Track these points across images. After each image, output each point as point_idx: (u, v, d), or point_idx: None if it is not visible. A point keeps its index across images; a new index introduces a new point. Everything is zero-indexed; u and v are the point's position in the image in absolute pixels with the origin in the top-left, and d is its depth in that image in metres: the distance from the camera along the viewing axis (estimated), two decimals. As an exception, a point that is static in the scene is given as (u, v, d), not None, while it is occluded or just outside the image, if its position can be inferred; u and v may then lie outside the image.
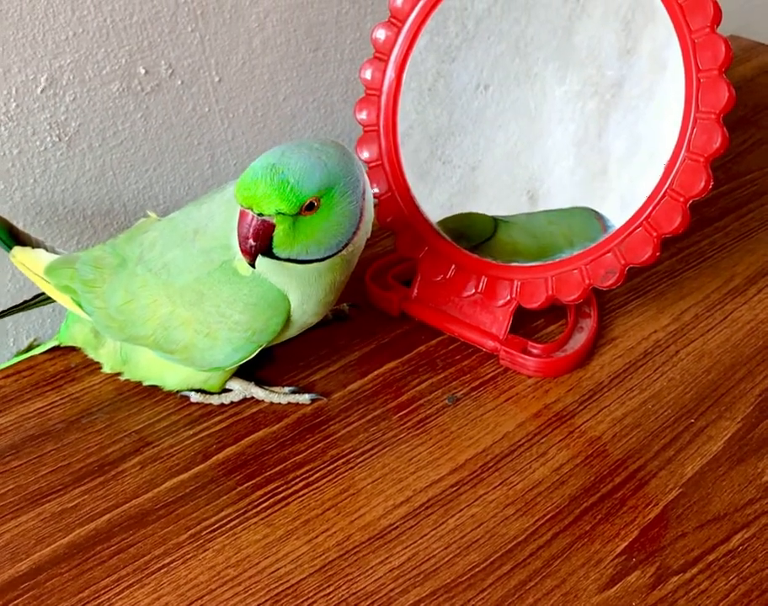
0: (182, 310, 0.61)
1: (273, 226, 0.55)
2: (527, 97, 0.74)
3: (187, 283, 0.61)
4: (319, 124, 0.97)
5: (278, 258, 0.57)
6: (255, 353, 0.63)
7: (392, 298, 0.77)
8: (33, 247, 0.69)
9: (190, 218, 0.63)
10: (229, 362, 0.63)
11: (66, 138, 0.77)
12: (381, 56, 0.77)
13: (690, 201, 0.65)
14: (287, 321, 0.62)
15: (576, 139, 0.72)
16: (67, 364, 0.73)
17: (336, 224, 0.58)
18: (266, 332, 0.62)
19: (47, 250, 0.70)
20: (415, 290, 0.77)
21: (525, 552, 0.57)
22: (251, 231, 0.55)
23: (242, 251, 0.56)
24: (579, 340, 0.72)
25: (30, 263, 0.69)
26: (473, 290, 0.74)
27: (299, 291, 0.61)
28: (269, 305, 0.61)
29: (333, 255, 0.59)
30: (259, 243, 0.56)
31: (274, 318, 0.61)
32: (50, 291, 0.69)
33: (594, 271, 0.68)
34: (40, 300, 0.72)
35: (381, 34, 0.77)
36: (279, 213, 0.54)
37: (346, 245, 0.60)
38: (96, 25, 0.75)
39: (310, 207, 0.55)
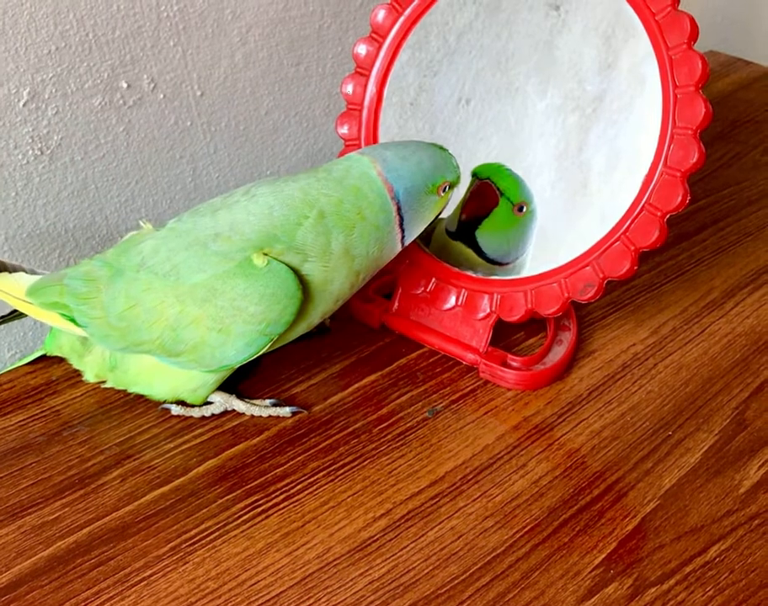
0: (192, 309, 0.61)
1: None
2: (508, 111, 0.75)
3: (199, 281, 0.61)
4: (301, 138, 0.98)
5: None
6: (266, 349, 0.63)
7: (373, 311, 0.78)
8: (10, 272, 0.69)
9: (200, 226, 0.63)
10: (240, 358, 0.63)
11: (49, 151, 0.78)
12: (362, 71, 0.78)
13: (668, 215, 0.65)
14: (299, 313, 0.63)
15: (557, 153, 0.73)
16: (49, 377, 0.73)
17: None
18: (279, 323, 0.62)
19: (27, 272, 0.69)
20: (396, 303, 0.78)
21: (504, 564, 0.57)
22: None
23: None
24: (559, 353, 0.73)
25: (9, 288, 0.68)
26: (453, 303, 0.75)
27: (345, 275, 0.64)
28: (285, 294, 0.61)
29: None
30: None
31: (288, 308, 0.61)
32: (33, 312, 0.68)
33: (572, 284, 0.69)
34: (14, 315, 0.72)
35: (362, 49, 0.78)
36: None
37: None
38: (78, 39, 0.75)
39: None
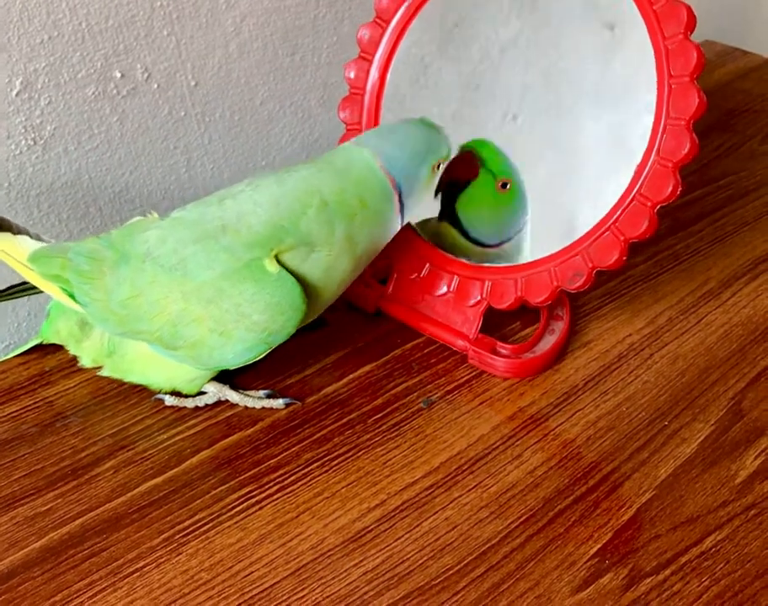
0: (196, 308, 0.61)
1: None
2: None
3: (207, 279, 0.61)
4: (296, 129, 0.97)
5: None
6: (264, 355, 0.63)
7: (369, 295, 0.78)
8: (14, 234, 0.68)
9: (208, 216, 0.63)
10: (238, 361, 0.63)
11: (42, 141, 0.77)
12: (365, 56, 0.78)
13: (658, 206, 0.65)
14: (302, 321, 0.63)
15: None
16: (42, 367, 0.73)
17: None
18: (281, 333, 0.62)
19: (32, 237, 0.68)
20: (390, 288, 0.78)
21: (498, 555, 0.57)
22: None
23: None
24: (549, 342, 0.73)
25: (12, 250, 0.67)
26: (445, 289, 0.75)
27: (348, 260, 0.65)
28: (290, 305, 0.61)
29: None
30: None
31: (291, 320, 0.62)
32: (34, 279, 0.67)
33: (562, 273, 0.69)
34: (15, 291, 0.72)
35: (365, 33, 0.77)
36: None
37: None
38: (71, 29, 0.75)
39: None
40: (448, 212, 0.75)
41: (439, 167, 0.69)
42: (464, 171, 0.74)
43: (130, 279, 0.63)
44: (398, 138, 0.68)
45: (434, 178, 0.70)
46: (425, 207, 0.73)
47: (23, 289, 0.71)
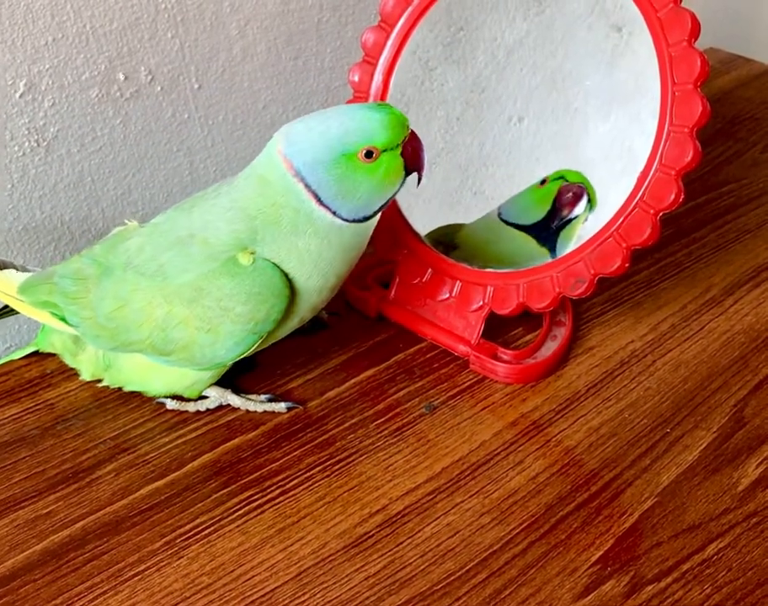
0: (180, 309, 0.61)
1: None
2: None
3: (186, 281, 0.61)
4: (299, 132, 0.97)
5: None
6: (256, 346, 0.63)
7: (370, 299, 0.78)
8: (0, 269, 0.69)
9: (179, 224, 0.63)
10: (230, 356, 0.63)
11: (45, 143, 0.77)
12: (369, 60, 0.77)
13: (660, 214, 0.65)
14: (287, 310, 0.62)
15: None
16: (43, 370, 0.73)
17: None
18: (267, 321, 0.62)
19: (17, 269, 0.69)
20: (393, 292, 0.78)
21: (500, 561, 0.57)
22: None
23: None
24: (551, 348, 0.73)
25: (1, 286, 0.68)
26: (447, 294, 0.75)
27: (310, 268, 0.62)
28: (272, 292, 0.61)
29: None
30: None
31: (276, 306, 0.61)
32: (25, 309, 0.68)
33: (564, 280, 0.69)
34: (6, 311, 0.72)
35: (370, 37, 0.77)
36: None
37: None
38: (76, 31, 0.75)
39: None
40: (545, 236, 0.75)
41: (370, 154, 0.59)
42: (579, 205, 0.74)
43: (113, 290, 0.63)
44: (313, 120, 0.60)
45: (375, 169, 0.60)
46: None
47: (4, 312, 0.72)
